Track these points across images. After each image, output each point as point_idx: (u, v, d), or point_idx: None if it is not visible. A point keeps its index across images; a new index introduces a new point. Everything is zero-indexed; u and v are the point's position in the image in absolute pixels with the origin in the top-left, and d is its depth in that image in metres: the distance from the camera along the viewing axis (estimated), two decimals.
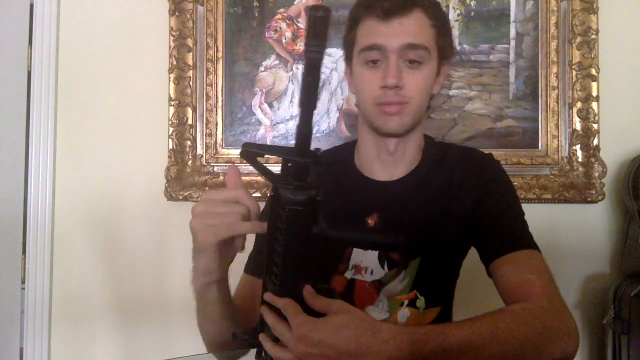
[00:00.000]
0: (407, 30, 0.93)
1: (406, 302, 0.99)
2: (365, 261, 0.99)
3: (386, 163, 1.03)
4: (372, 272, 0.99)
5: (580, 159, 1.70)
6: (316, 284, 0.71)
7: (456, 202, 1.00)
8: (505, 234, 0.96)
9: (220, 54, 1.78)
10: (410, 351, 0.68)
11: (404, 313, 0.99)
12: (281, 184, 0.62)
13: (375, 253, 0.99)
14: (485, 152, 1.09)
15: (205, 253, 0.76)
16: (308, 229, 0.64)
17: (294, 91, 1.78)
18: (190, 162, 1.78)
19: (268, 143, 1.75)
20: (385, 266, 0.99)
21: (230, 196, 0.74)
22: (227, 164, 1.77)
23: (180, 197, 1.76)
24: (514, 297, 0.87)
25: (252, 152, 0.64)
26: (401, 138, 1.00)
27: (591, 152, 1.69)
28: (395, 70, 0.93)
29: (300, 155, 0.59)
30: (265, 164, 0.67)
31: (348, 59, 1.03)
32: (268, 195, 0.66)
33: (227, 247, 0.76)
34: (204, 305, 0.86)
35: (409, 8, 0.93)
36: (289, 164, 0.62)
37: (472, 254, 1.03)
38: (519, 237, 0.96)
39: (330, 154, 1.12)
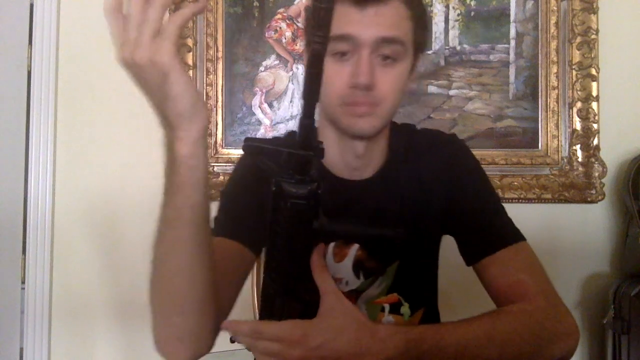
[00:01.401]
0: (383, 21, 0.81)
1: (387, 306, 0.94)
2: (339, 273, 0.92)
3: (352, 165, 0.93)
4: (347, 283, 0.93)
5: (580, 159, 1.70)
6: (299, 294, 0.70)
7: (428, 198, 0.93)
8: (487, 232, 0.90)
9: (220, 54, 1.78)
10: (405, 350, 0.68)
11: (387, 320, 0.95)
12: (283, 178, 0.61)
13: (350, 264, 0.93)
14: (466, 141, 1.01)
15: (171, 76, 0.58)
16: (309, 224, 0.64)
17: (294, 91, 1.78)
18: None
19: None
20: (361, 276, 0.93)
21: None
22: (227, 164, 1.77)
23: None
24: (506, 299, 0.84)
25: (255, 147, 0.64)
26: (370, 140, 0.90)
27: (591, 152, 1.70)
28: (367, 67, 0.81)
29: (302, 148, 0.59)
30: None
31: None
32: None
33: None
34: (173, 218, 0.67)
35: None
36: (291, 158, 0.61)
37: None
38: (502, 233, 0.90)
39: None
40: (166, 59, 0.58)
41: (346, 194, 0.92)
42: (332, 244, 0.92)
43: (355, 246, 0.92)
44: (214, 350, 0.98)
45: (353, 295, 0.93)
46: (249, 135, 1.78)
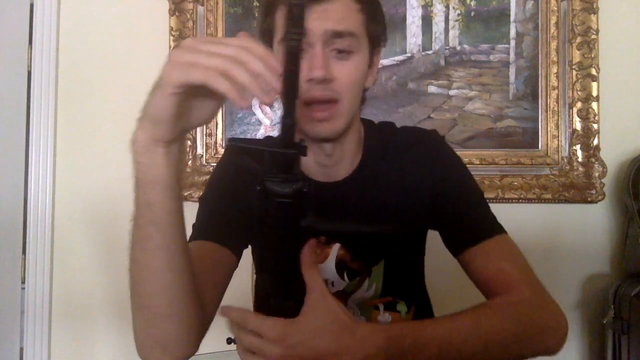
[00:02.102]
0: (331, 15, 0.81)
1: (382, 306, 0.94)
2: (324, 274, 0.91)
3: (324, 166, 0.92)
4: (333, 284, 0.92)
5: (580, 159, 1.70)
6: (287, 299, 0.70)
7: (412, 195, 0.93)
8: (469, 224, 0.90)
9: None
10: (386, 347, 0.68)
11: (385, 318, 0.95)
12: (268, 177, 0.60)
13: (332, 265, 0.92)
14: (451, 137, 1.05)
15: (159, 90, 0.58)
16: (297, 222, 0.63)
17: None
18: (190, 162, 1.78)
19: None
20: (346, 277, 0.92)
21: (236, 42, 0.56)
22: None
23: None
24: (491, 289, 0.84)
25: (238, 147, 0.63)
26: (337, 141, 0.89)
27: (591, 152, 1.69)
28: (322, 59, 0.80)
29: (285, 147, 0.58)
30: None
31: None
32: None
33: (199, 102, 0.61)
34: (145, 201, 0.65)
35: None
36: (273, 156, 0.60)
37: None
38: (483, 225, 0.90)
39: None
40: (175, 81, 0.57)
41: (322, 196, 0.91)
42: None
43: (337, 246, 0.92)
44: (213, 350, 0.98)
45: (342, 296, 0.93)
46: (249, 135, 1.79)
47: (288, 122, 0.57)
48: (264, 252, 0.66)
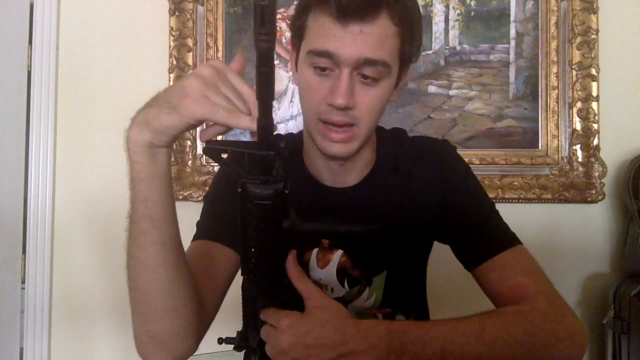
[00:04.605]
0: (367, 40, 0.76)
1: (380, 316, 0.93)
2: (324, 279, 0.92)
3: (336, 173, 0.92)
4: (332, 290, 0.92)
5: (580, 159, 1.70)
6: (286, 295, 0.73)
7: (419, 207, 0.92)
8: (482, 238, 0.89)
9: (220, 54, 1.78)
10: (388, 339, 0.70)
11: None
12: (247, 179, 0.60)
13: (333, 271, 0.91)
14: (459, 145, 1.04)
15: (175, 115, 0.62)
16: (279, 223, 0.64)
17: (294, 91, 1.78)
18: (190, 162, 1.78)
19: None
20: (346, 284, 0.92)
21: (245, 89, 0.62)
22: None
23: (180, 197, 1.76)
24: (507, 302, 0.83)
25: (216, 149, 0.63)
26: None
27: (591, 152, 1.69)
28: (346, 88, 0.78)
29: (263, 148, 0.58)
30: None
31: (295, 45, 0.87)
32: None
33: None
34: (143, 203, 0.67)
35: (373, 10, 0.76)
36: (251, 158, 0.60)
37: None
38: (496, 238, 0.89)
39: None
40: (195, 114, 0.62)
41: (330, 201, 0.92)
42: (315, 249, 0.91)
43: (339, 252, 0.91)
44: (213, 350, 0.98)
45: (340, 303, 0.93)
46: (248, 135, 1.78)
47: (264, 123, 0.56)
48: (248, 253, 0.67)
